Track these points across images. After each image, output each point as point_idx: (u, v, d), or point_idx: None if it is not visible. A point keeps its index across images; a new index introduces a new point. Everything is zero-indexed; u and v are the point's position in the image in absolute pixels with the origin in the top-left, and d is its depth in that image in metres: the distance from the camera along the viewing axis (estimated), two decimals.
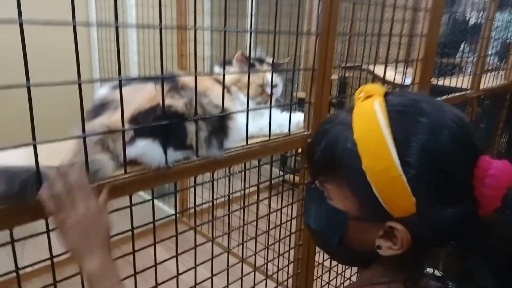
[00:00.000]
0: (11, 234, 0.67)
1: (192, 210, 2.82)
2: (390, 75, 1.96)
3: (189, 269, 1.01)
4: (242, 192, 1.13)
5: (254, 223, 1.16)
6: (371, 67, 2.25)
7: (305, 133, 1.15)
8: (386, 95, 0.58)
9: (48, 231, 0.71)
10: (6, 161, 0.65)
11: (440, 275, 0.62)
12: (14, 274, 0.69)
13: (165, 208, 2.75)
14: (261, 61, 1.18)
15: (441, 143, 0.52)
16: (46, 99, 2.31)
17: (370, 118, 0.55)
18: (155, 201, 0.89)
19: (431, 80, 1.68)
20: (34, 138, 0.63)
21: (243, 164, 1.10)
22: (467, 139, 0.54)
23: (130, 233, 0.87)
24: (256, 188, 1.13)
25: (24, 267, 0.73)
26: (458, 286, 0.55)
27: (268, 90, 1.11)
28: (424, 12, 1.47)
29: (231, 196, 1.39)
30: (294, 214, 1.26)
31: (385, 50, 1.61)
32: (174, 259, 0.96)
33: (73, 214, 0.62)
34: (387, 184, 0.52)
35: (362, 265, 0.65)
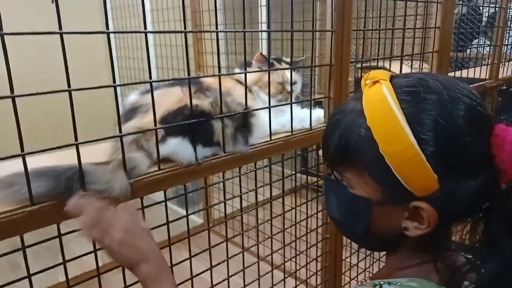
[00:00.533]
0: (59, 229, 0.72)
1: (217, 215, 2.88)
2: (406, 71, 1.98)
3: (223, 280, 1.05)
4: (268, 197, 1.16)
5: (281, 227, 1.19)
6: (386, 65, 2.27)
7: None
8: (392, 78, 0.59)
9: None
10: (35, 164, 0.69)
11: (467, 249, 0.62)
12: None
13: (191, 216, 2.79)
14: (278, 60, 1.22)
15: (454, 116, 0.53)
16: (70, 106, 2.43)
17: (380, 103, 0.56)
18: (180, 209, 0.94)
19: (448, 72, 1.69)
20: (76, 139, 0.69)
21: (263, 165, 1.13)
22: (479, 111, 0.54)
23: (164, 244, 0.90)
24: (280, 191, 1.16)
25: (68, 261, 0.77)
26: (486, 257, 0.55)
27: (288, 87, 1.15)
28: (436, 5, 1.49)
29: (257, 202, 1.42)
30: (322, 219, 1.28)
31: (399, 47, 1.64)
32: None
33: (115, 235, 0.65)
34: (406, 164, 0.53)
35: (390, 249, 0.66)
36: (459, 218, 0.60)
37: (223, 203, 1.07)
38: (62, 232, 0.73)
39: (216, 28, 0.91)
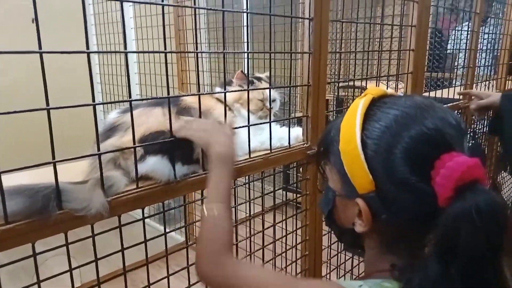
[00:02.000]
0: (33, 248, 0.72)
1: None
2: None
3: None
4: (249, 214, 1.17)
5: (260, 242, 1.20)
6: (364, 84, 2.33)
7: (304, 145, 1.21)
8: (383, 96, 0.65)
9: (67, 244, 0.76)
10: (14, 182, 0.69)
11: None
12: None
13: (172, 234, 2.76)
14: (259, 79, 1.25)
15: (401, 132, 0.58)
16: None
17: (351, 109, 0.64)
18: (161, 226, 0.94)
19: (423, 92, 1.75)
20: (53, 157, 0.69)
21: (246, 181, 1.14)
22: (436, 135, 0.57)
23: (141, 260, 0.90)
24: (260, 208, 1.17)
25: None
26: (414, 268, 0.56)
27: (268, 104, 1.18)
28: (410, 28, 1.56)
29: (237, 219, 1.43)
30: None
31: (376, 67, 1.69)
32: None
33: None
34: (351, 162, 0.61)
35: (356, 245, 0.72)
36: (397, 225, 0.62)
37: None
38: (37, 250, 0.72)
39: (196, 48, 0.93)
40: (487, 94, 1.74)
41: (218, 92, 1.06)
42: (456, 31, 2.20)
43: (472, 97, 1.80)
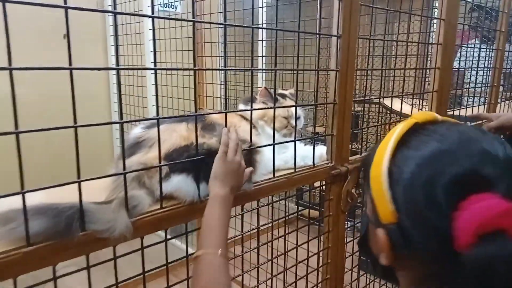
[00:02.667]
0: (54, 271, 0.69)
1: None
2: (404, 108, 2.00)
3: None
4: (262, 227, 1.13)
5: (274, 260, 1.16)
6: (387, 102, 2.30)
7: (329, 165, 1.17)
8: (430, 122, 0.59)
9: (88, 268, 0.73)
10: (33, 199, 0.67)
11: None
12: None
13: (181, 245, 2.71)
14: (283, 96, 1.22)
15: (431, 167, 0.52)
16: (61, 142, 2.39)
17: (391, 132, 0.60)
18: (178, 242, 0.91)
19: (446, 112, 1.70)
20: (79, 176, 0.66)
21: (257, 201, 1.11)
22: (472, 175, 0.51)
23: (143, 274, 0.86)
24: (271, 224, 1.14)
25: None
26: None
27: (293, 122, 1.15)
28: (437, 46, 1.52)
29: (249, 232, 1.39)
30: (315, 250, 1.25)
31: (398, 85, 1.66)
32: None
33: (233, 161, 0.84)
34: (377, 188, 0.57)
35: (387, 276, 0.67)
36: (422, 263, 0.57)
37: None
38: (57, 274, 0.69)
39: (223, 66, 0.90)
40: (497, 115, 1.69)
41: (244, 110, 1.03)
42: (466, 46, 2.14)
43: (483, 120, 1.76)
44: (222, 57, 2.70)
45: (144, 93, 2.57)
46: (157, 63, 2.66)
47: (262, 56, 2.79)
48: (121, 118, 0.70)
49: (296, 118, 1.15)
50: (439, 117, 0.61)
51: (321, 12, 1.06)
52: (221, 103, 2.90)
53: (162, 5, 2.76)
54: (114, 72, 2.82)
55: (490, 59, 2.08)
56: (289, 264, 1.22)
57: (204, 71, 2.52)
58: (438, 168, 0.51)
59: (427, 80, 1.79)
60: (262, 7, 2.78)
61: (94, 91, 2.78)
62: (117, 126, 2.86)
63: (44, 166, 2.08)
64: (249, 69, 0.92)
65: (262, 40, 2.75)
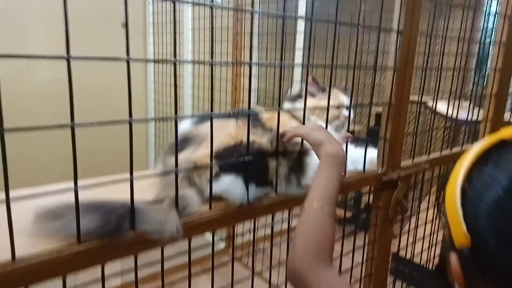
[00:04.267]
0: (103, 270, 0.66)
1: (239, 241, 2.79)
2: (446, 109, 1.89)
3: None
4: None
5: None
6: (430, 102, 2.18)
7: (379, 172, 1.10)
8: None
9: (136, 269, 0.70)
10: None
11: None
12: None
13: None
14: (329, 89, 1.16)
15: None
16: (99, 136, 2.40)
17: (470, 150, 0.55)
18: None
19: (503, 116, 1.59)
20: (131, 173, 0.63)
21: None
22: None
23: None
24: None
25: None
26: None
27: (345, 112, 1.09)
28: (499, 46, 1.41)
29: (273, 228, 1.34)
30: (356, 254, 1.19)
31: (446, 84, 1.56)
32: None
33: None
34: (450, 207, 0.52)
35: None
36: None
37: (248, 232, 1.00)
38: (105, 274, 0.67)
39: (250, 58, 0.85)
40: None
41: (299, 108, 0.97)
42: None
43: None
44: (256, 49, 2.64)
45: (181, 87, 2.56)
46: (195, 53, 2.63)
47: (299, 49, 2.71)
48: (176, 113, 0.67)
49: (349, 108, 1.09)
50: None
51: (382, 5, 0.99)
52: (256, 95, 2.86)
53: None
54: (151, 65, 2.82)
55: None
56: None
57: (242, 74, 2.47)
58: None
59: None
60: None
61: (132, 87, 2.80)
62: (153, 122, 2.87)
63: (79, 159, 2.11)
64: (305, 65, 0.87)
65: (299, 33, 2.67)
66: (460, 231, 0.49)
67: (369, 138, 1.31)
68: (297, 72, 2.69)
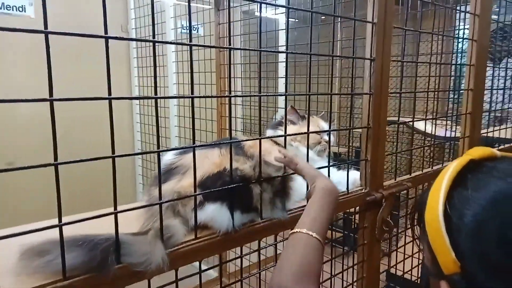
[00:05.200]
0: None
1: (232, 269, 2.75)
2: (429, 128, 1.95)
3: None
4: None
5: None
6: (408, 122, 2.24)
7: (363, 191, 1.13)
8: (488, 158, 0.55)
9: None
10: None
11: None
12: None
13: (213, 273, 2.66)
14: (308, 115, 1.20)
15: (497, 209, 0.48)
16: (86, 170, 2.40)
17: (444, 171, 0.55)
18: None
19: (480, 134, 1.64)
20: (115, 207, 0.64)
21: None
22: None
23: None
24: None
25: None
26: None
27: (325, 136, 1.12)
28: (469, 67, 1.48)
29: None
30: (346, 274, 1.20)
31: (422, 105, 1.61)
32: None
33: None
34: (434, 234, 0.51)
35: None
36: None
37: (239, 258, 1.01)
38: None
39: (229, 90, 0.88)
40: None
41: (279, 136, 1.00)
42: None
43: None
44: (240, 78, 2.70)
45: (167, 118, 2.59)
46: (179, 84, 2.67)
47: (281, 78, 2.78)
48: (158, 147, 0.69)
49: (329, 133, 1.13)
50: (497, 153, 0.56)
51: (354, 34, 1.04)
52: (242, 123, 2.89)
53: (184, 27, 2.79)
54: (137, 103, 2.85)
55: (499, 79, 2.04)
56: None
57: (226, 92, 2.51)
58: (508, 210, 0.47)
59: (450, 100, 1.74)
60: (283, 29, 2.79)
61: (117, 119, 2.82)
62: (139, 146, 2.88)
63: (64, 193, 2.10)
64: (282, 94, 0.90)
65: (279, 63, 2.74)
66: (448, 258, 0.49)
67: (352, 160, 1.34)
68: (281, 99, 2.74)
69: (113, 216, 0.64)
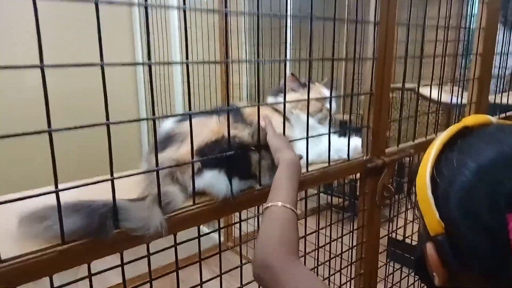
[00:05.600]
0: (89, 269, 0.68)
1: (237, 234, 2.81)
2: (435, 94, 1.90)
3: None
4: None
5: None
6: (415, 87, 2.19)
7: (364, 158, 1.12)
8: (483, 125, 0.54)
9: (122, 265, 0.72)
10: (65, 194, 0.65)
11: None
12: None
13: (213, 235, 2.72)
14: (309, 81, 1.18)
15: (483, 172, 0.47)
16: (88, 136, 2.42)
17: (435, 140, 0.56)
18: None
19: (488, 100, 1.61)
20: (112, 173, 0.65)
21: None
22: None
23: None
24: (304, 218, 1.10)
25: None
26: None
27: (327, 104, 1.10)
28: (479, 31, 1.43)
29: None
30: (347, 241, 1.21)
31: (427, 69, 1.57)
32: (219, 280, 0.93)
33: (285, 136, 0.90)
34: (421, 196, 0.53)
35: None
36: (470, 278, 0.51)
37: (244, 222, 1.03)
38: (92, 271, 0.69)
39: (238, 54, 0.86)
40: None
41: (279, 103, 0.98)
42: None
43: None
44: (246, 45, 2.64)
45: (171, 85, 2.56)
46: (183, 53, 2.63)
47: (288, 44, 2.72)
48: (154, 113, 0.68)
49: (331, 100, 1.10)
50: (493, 119, 0.55)
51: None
52: (246, 91, 2.86)
53: None
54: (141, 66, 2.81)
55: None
56: (321, 257, 1.18)
57: (231, 64, 2.47)
58: (500, 176, 0.46)
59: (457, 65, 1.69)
60: None
61: (121, 86, 2.79)
62: (144, 114, 2.88)
63: (71, 160, 2.12)
64: (282, 60, 0.88)
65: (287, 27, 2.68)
66: (433, 219, 0.51)
67: (353, 127, 1.33)
68: (289, 66, 2.69)
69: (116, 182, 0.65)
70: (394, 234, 1.56)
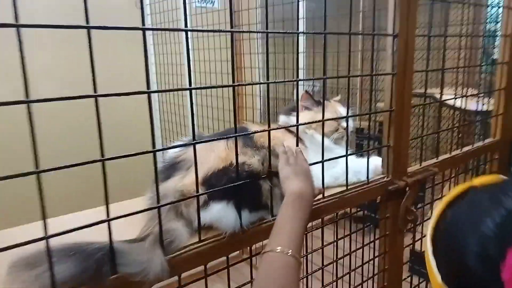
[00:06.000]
0: None
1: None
2: (459, 102, 1.80)
3: None
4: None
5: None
6: (438, 94, 2.10)
7: (384, 180, 1.04)
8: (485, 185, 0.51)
9: None
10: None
11: None
12: None
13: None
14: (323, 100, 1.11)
15: (468, 231, 0.45)
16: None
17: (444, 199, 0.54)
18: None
19: None
20: (108, 215, 0.59)
21: None
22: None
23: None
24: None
25: None
26: None
27: (343, 123, 1.03)
28: (504, 38, 1.34)
29: None
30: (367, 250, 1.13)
31: (451, 76, 1.48)
32: None
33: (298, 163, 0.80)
34: (426, 260, 0.51)
35: None
36: None
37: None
38: None
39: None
40: None
41: (291, 126, 0.92)
42: None
43: None
44: (260, 68, 2.54)
45: (185, 112, 2.48)
46: (196, 73, 2.52)
47: (300, 53, 2.61)
48: (154, 146, 0.62)
49: (347, 120, 1.03)
50: (502, 178, 0.51)
51: (374, 9, 0.93)
52: (260, 114, 2.75)
53: (199, 0, 2.66)
54: (155, 95, 2.71)
55: None
56: (339, 270, 1.08)
57: (242, 46, 2.38)
58: (475, 231, 0.44)
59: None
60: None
61: (136, 106, 2.71)
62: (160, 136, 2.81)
63: (65, 191, 2.01)
64: (294, 80, 0.82)
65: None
66: (436, 284, 0.48)
67: (372, 147, 1.25)
68: (301, 88, 2.59)
69: (116, 211, 0.59)
70: (414, 246, 1.44)
